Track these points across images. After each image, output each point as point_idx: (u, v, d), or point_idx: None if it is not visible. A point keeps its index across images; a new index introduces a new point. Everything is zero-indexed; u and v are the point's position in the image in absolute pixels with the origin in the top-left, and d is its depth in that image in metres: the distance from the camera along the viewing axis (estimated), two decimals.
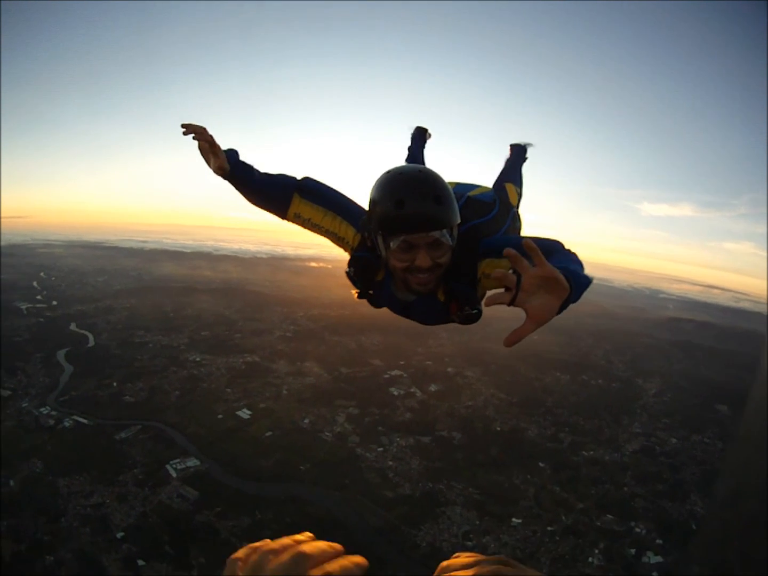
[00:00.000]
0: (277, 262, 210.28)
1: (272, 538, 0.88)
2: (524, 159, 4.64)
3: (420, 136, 4.93)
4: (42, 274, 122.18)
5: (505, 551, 37.53)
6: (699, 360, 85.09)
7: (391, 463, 47.06)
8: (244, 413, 53.23)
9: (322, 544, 0.95)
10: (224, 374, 62.44)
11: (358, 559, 0.94)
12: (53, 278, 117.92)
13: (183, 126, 2.49)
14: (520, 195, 4.05)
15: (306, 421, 52.87)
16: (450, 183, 2.54)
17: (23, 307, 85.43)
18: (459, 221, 2.34)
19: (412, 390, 60.74)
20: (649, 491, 46.04)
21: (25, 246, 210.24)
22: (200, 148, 2.57)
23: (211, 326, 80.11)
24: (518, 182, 4.24)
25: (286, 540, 0.97)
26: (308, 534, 1.03)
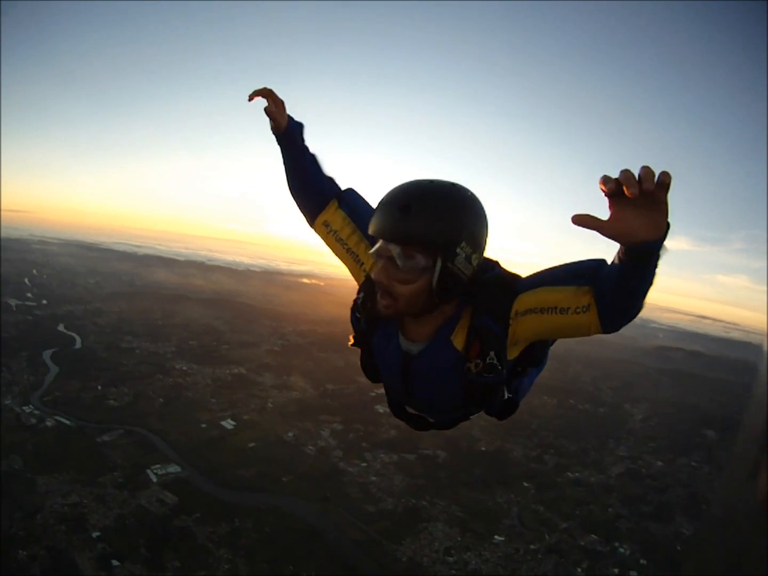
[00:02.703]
0: (270, 276, 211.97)
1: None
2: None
3: None
4: (34, 271, 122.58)
5: (486, 568, 37.71)
6: (687, 387, 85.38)
7: (374, 478, 46.96)
8: (228, 423, 53.05)
9: None
10: (210, 384, 62.35)
11: None
12: (45, 276, 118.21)
13: (250, 97, 2.37)
14: None
15: (290, 434, 52.74)
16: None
17: (13, 303, 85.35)
18: (445, 246, 1.92)
19: None
20: (633, 513, 46.20)
21: (22, 241, 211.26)
22: (267, 109, 2.43)
23: (199, 336, 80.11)
24: None
25: None
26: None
